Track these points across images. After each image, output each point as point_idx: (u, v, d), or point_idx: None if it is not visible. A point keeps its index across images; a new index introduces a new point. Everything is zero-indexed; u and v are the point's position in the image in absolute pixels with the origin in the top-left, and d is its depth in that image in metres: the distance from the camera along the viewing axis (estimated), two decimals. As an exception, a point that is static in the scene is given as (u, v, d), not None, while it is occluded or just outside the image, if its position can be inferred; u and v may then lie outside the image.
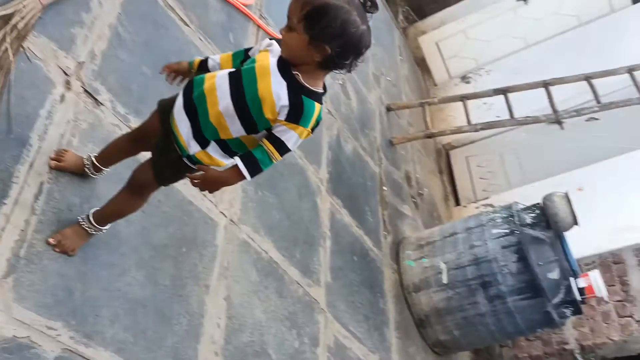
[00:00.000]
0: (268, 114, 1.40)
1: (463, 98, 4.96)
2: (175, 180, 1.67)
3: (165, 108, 1.56)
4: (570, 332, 4.29)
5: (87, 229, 1.66)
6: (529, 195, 4.92)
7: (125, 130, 2.00)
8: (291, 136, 1.42)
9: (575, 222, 3.44)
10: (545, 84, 4.65)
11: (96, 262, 1.72)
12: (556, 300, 3.48)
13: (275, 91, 1.38)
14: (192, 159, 1.51)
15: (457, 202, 5.67)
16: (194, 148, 1.50)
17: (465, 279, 3.66)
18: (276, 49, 1.46)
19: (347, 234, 3.40)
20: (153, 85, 2.24)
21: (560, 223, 3.47)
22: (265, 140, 1.44)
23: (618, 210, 4.42)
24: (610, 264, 4.38)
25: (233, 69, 1.50)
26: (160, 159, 1.57)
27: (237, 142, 1.49)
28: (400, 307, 3.72)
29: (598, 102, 4.41)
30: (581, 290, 3.47)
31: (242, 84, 1.42)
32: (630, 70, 4.49)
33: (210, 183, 1.50)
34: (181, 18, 2.61)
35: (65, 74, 1.87)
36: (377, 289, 3.51)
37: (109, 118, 1.98)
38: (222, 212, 2.38)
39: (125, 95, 2.08)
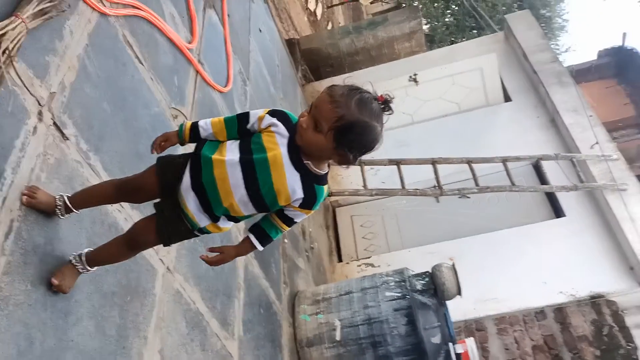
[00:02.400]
0: (282, 203, 1.49)
1: (360, 162, 5.30)
2: (179, 241, 1.69)
3: (166, 172, 1.56)
4: (435, 391, 4.65)
5: (79, 269, 1.61)
6: (406, 259, 5.38)
7: (86, 169, 1.92)
8: (301, 216, 1.54)
9: (459, 292, 3.84)
10: (433, 162, 5.17)
11: (54, 309, 1.61)
12: (436, 362, 3.81)
13: (290, 185, 1.46)
14: (202, 230, 1.56)
15: (340, 259, 5.95)
16: (204, 222, 1.54)
17: (357, 337, 3.85)
18: (282, 131, 1.48)
19: (256, 285, 3.43)
20: (112, 123, 2.18)
21: (446, 292, 3.84)
22: (276, 217, 1.54)
23: (482, 282, 4.97)
24: (474, 330, 4.89)
25: (242, 155, 1.47)
26: (168, 229, 1.57)
27: (247, 216, 1.55)
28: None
29: (477, 184, 5.00)
30: (458, 356, 3.83)
31: (256, 176, 1.45)
32: (503, 160, 5.17)
33: (226, 259, 1.59)
34: (137, 55, 2.56)
35: (39, 104, 1.76)
36: (277, 342, 3.57)
37: (73, 154, 1.88)
38: (160, 260, 2.32)
39: (88, 131, 2.00)
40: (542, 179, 5.79)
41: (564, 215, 5.48)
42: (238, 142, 1.51)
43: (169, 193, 1.57)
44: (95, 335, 1.77)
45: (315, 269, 5.05)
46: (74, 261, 1.64)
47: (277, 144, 1.46)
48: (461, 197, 5.79)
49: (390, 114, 1.46)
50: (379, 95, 1.41)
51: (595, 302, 4.74)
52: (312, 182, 1.48)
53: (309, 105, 1.46)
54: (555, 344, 4.62)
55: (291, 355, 3.78)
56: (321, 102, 1.38)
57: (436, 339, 3.81)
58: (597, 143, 5.51)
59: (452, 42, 11.00)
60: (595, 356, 4.42)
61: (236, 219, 1.57)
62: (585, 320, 4.65)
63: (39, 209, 1.62)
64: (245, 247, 1.59)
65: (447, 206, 5.96)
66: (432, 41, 14.02)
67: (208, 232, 1.57)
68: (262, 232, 1.56)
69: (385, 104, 1.40)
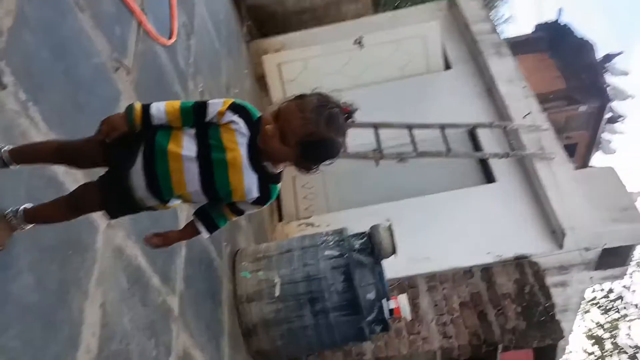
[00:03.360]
0: (236, 199, 1.52)
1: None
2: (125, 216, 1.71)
3: (113, 147, 1.50)
4: (368, 345, 4.89)
5: (14, 225, 1.57)
6: (345, 219, 5.51)
7: (24, 120, 1.85)
8: (252, 210, 1.58)
9: (395, 252, 4.00)
10: (375, 126, 5.27)
11: (-7, 263, 1.58)
12: (370, 318, 3.99)
13: (247, 186, 1.48)
14: (150, 208, 1.58)
15: (281, 218, 6.02)
16: (152, 203, 1.54)
17: (296, 293, 3.96)
18: (243, 130, 1.46)
19: (198, 242, 3.44)
20: (52, 72, 2.10)
21: (383, 251, 4.00)
22: (227, 209, 1.57)
23: (416, 243, 5.19)
24: (406, 287, 5.13)
25: (200, 151, 1.44)
26: (113, 204, 1.56)
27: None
28: (233, 317, 3.87)
29: (415, 149, 5.16)
30: (391, 311, 4.03)
31: (213, 175, 1.45)
32: (441, 126, 5.35)
33: (169, 244, 1.61)
34: (77, 2, 2.44)
35: (-25, 49, 1.67)
36: (217, 298, 3.62)
37: (11, 104, 1.80)
38: (103, 215, 2.29)
39: (27, 80, 1.91)
40: (477, 146, 6.03)
41: (495, 181, 5.77)
42: (194, 132, 1.47)
43: (115, 168, 1.53)
44: (36, 289, 1.75)
45: (257, 228, 5.10)
46: (10, 216, 1.59)
47: (236, 144, 1.45)
48: (400, 162, 5.96)
49: (352, 122, 1.51)
50: (345, 106, 1.45)
51: (519, 262, 5.08)
52: (268, 183, 1.51)
53: (274, 110, 1.46)
54: (480, 301, 4.93)
55: (231, 311, 3.85)
56: (290, 116, 1.39)
57: (371, 295, 3.98)
58: (529, 113, 5.78)
59: (396, 7, 11.04)
60: (517, 312, 4.76)
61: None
62: (509, 279, 4.98)
63: None
64: (189, 233, 1.61)
65: (385, 169, 6.12)
66: (378, 4, 14.01)
67: (155, 210, 1.58)
68: (209, 220, 1.59)
69: (349, 115, 1.46)
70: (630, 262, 5.52)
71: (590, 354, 11.65)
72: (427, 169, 6.03)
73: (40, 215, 1.62)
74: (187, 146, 1.45)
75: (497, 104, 6.29)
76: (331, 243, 4.12)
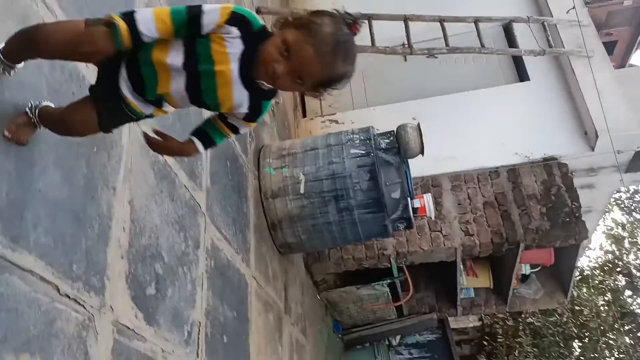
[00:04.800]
0: (224, 110, 1.44)
1: (330, 15, 5.05)
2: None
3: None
4: (390, 241, 4.99)
5: (34, 121, 1.53)
6: (370, 117, 5.42)
7: (41, 7, 1.74)
8: (245, 128, 1.51)
9: (422, 152, 3.93)
10: (405, 18, 4.98)
11: (19, 160, 1.55)
12: (394, 216, 4.01)
13: (236, 101, 1.38)
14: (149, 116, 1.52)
15: (304, 114, 5.93)
16: (149, 110, 1.48)
17: (320, 190, 3.98)
18: (237, 42, 1.31)
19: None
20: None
21: (410, 151, 3.93)
22: (221, 124, 1.49)
23: (442, 142, 5.10)
24: (430, 186, 5.12)
25: (186, 61, 1.32)
26: (109, 119, 1.49)
27: None
28: (258, 211, 3.93)
29: (447, 44, 4.90)
30: (415, 210, 4.04)
31: (199, 87, 1.35)
32: (476, 20, 5.03)
33: (170, 152, 1.57)
34: None
35: None
36: (243, 193, 3.65)
37: (23, -10, 1.69)
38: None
39: (37, -36, 1.78)
40: (511, 42, 5.71)
41: (528, 79, 5.52)
42: (182, 41, 1.33)
43: (104, 78, 1.44)
44: (63, 185, 1.74)
45: (280, 124, 5.04)
46: (29, 113, 1.54)
47: (227, 57, 1.31)
48: (429, 57, 5.70)
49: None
50: (354, 25, 1.31)
51: (548, 164, 4.98)
52: (260, 99, 1.42)
53: (282, 36, 1.29)
54: (505, 201, 4.91)
55: (256, 205, 3.90)
56: (306, 59, 1.25)
57: (396, 194, 3.97)
58: (573, 8, 5.38)
59: None
60: (541, 213, 4.74)
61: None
62: (536, 180, 4.91)
63: None
64: (189, 148, 1.53)
65: (414, 65, 5.89)
66: None
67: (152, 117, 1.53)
68: (206, 137, 1.52)
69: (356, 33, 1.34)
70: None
71: (608, 252, 11.83)
72: (458, 65, 5.79)
73: (52, 120, 1.57)
74: (173, 54, 1.33)
75: (536, -4, 5.86)
76: (357, 142, 4.05)
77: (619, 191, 11.45)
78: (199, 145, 1.52)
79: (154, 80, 1.36)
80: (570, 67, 5.23)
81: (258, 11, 4.85)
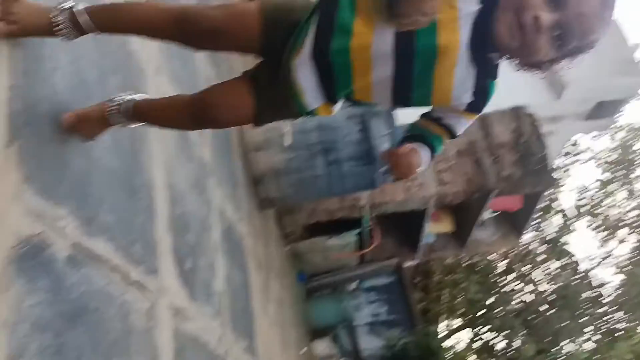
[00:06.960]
0: (435, 103, 1.09)
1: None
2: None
3: (277, 21, 1.06)
4: (364, 192, 4.89)
5: (114, 119, 1.20)
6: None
7: None
8: (465, 124, 1.14)
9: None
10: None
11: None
12: (382, 169, 3.90)
13: (457, 90, 1.03)
14: (309, 113, 1.16)
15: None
16: (317, 103, 1.13)
17: (308, 143, 3.77)
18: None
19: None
20: None
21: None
22: (437, 129, 1.14)
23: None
24: (403, 135, 5.03)
25: (398, 40, 0.98)
26: (267, 110, 1.14)
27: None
28: (242, 164, 3.67)
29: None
30: (403, 162, 3.95)
31: (411, 68, 1.00)
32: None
33: (413, 171, 1.04)
34: None
35: None
36: (228, 147, 3.37)
37: None
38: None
39: None
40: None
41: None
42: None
43: (271, 55, 1.09)
44: (113, 152, 1.45)
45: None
46: (112, 108, 1.18)
47: (456, 23, 0.98)
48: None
49: None
50: None
51: (517, 113, 5.04)
52: (486, 79, 1.06)
53: None
54: (477, 149, 4.94)
55: (242, 160, 3.63)
56: (588, 6, 0.93)
57: (385, 146, 3.85)
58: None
59: None
60: (512, 161, 4.83)
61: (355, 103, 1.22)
62: (506, 129, 4.97)
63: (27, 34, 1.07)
64: (424, 161, 1.11)
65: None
66: None
67: (313, 116, 1.17)
68: (431, 152, 1.15)
69: None
70: (619, 115, 5.62)
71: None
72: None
73: (154, 114, 1.22)
74: (378, 31, 0.99)
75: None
76: (345, 90, 3.85)
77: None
78: (428, 160, 1.14)
79: (346, 61, 1.03)
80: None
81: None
